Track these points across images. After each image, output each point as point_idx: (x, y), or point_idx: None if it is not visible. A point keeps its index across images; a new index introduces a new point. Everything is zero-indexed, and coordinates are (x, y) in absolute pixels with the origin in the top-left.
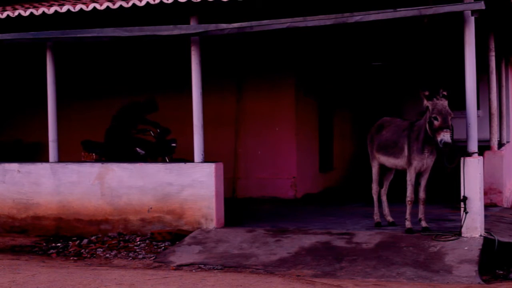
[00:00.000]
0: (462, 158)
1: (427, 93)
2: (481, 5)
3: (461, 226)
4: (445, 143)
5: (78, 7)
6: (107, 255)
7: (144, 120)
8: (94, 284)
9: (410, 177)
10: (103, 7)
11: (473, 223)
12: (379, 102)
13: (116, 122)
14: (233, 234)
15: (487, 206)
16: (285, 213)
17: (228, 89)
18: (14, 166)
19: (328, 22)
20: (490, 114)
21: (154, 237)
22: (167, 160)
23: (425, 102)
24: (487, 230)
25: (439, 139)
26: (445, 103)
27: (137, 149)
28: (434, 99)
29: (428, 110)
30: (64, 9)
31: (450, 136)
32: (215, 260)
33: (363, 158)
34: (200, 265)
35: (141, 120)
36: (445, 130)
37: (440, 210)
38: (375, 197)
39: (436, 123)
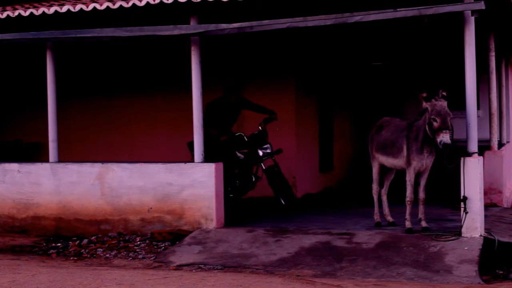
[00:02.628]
0: (462, 158)
1: (425, 94)
2: (481, 5)
3: (461, 226)
4: (445, 144)
5: (78, 7)
6: (107, 255)
7: (253, 106)
8: (94, 284)
9: (410, 177)
10: (103, 7)
11: (473, 223)
12: (379, 102)
13: (207, 121)
14: (233, 234)
15: (487, 206)
16: (285, 213)
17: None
18: (14, 166)
19: (328, 22)
20: (490, 114)
21: (154, 237)
22: (263, 168)
23: (424, 104)
24: (487, 230)
25: (438, 140)
26: (444, 103)
27: (237, 152)
28: (433, 100)
29: (427, 111)
30: (64, 9)
31: (450, 137)
32: (215, 260)
33: (363, 158)
34: (200, 265)
35: (248, 105)
36: (444, 131)
37: (440, 210)
38: (375, 197)
39: (435, 124)
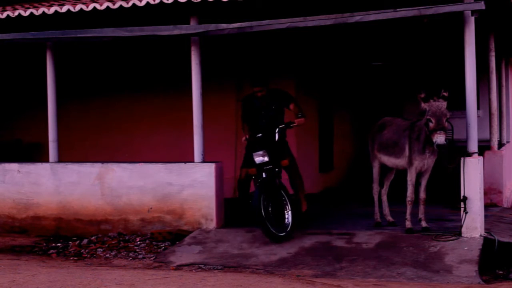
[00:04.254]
0: (462, 158)
1: (422, 95)
2: (481, 5)
3: (461, 226)
4: (438, 145)
5: (78, 7)
6: (107, 255)
7: (287, 102)
8: (94, 284)
9: (411, 177)
10: (103, 7)
11: (473, 223)
12: (379, 102)
13: (243, 119)
14: (233, 234)
15: (487, 206)
16: None
17: (228, 89)
18: (14, 166)
19: (328, 22)
20: (490, 114)
21: (154, 237)
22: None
23: (422, 105)
24: (487, 230)
25: (434, 140)
26: (440, 104)
27: (253, 154)
28: (431, 100)
29: (426, 112)
30: (64, 9)
31: (448, 137)
32: (215, 260)
33: (363, 158)
34: (200, 265)
35: (286, 101)
36: (439, 132)
37: (440, 210)
38: (375, 197)
39: (431, 125)
